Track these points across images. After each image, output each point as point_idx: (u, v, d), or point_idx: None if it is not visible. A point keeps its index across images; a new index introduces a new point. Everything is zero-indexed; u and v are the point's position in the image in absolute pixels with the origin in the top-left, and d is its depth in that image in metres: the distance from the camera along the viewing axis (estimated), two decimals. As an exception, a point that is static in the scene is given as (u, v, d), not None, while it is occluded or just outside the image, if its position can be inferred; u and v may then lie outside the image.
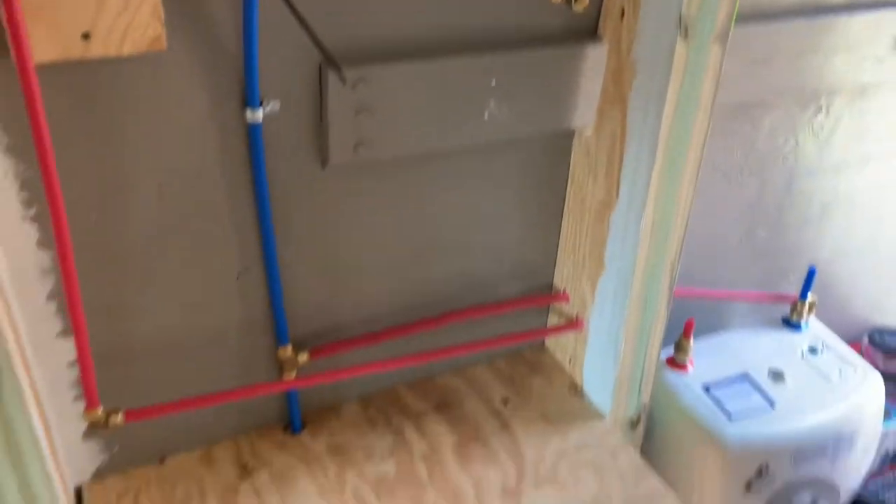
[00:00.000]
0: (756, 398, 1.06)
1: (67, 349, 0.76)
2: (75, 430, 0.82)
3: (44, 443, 0.62)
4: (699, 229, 1.11)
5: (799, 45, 1.02)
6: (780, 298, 1.21)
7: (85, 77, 0.64)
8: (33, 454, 0.61)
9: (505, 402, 0.98)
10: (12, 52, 0.57)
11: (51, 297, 0.73)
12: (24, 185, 0.67)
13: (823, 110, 1.14)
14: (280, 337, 0.86)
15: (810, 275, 1.17)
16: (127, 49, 0.62)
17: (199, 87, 0.69)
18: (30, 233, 0.69)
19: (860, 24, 1.05)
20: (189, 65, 0.67)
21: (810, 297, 1.19)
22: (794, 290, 1.21)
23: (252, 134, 0.73)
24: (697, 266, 1.16)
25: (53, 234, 0.64)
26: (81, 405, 0.80)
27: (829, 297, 1.31)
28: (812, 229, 1.25)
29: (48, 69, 0.61)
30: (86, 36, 0.60)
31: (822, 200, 1.23)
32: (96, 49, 0.61)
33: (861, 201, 1.27)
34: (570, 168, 0.93)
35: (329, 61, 0.65)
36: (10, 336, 0.56)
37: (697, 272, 1.17)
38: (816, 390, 1.08)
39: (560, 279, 1.01)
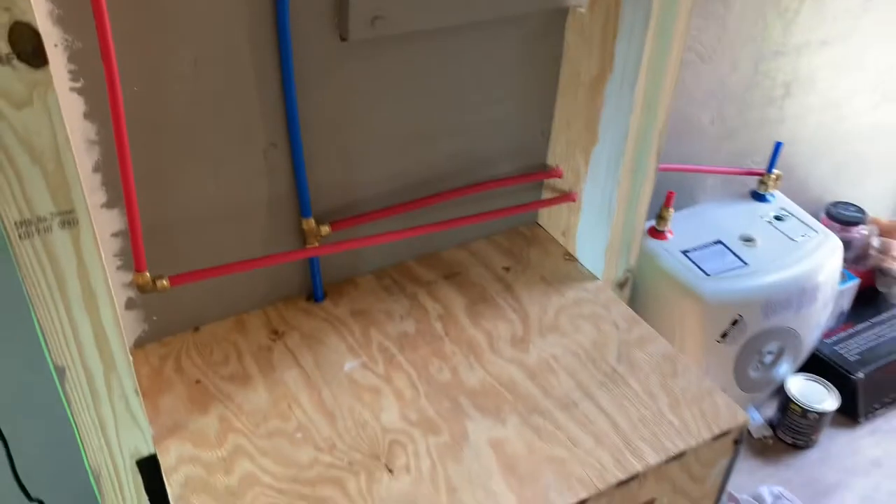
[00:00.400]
0: (730, 258, 1.17)
1: (111, 220, 0.82)
2: (118, 301, 0.88)
3: (112, 291, 0.68)
4: (675, 109, 1.19)
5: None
6: (750, 173, 1.32)
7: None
8: (106, 300, 0.68)
9: (507, 269, 1.07)
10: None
11: (96, 168, 0.78)
12: (73, 57, 0.71)
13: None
14: (304, 210, 0.92)
15: (776, 149, 1.27)
16: (171, -81, 0.65)
17: (231, -40, 0.73)
18: (77, 104, 0.73)
19: None
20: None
21: (776, 171, 1.29)
22: (760, 167, 1.31)
23: (279, 8, 0.77)
24: (674, 144, 1.25)
25: (109, 102, 0.68)
26: (124, 275, 0.86)
27: (792, 173, 1.42)
28: (775, 108, 1.35)
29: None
30: None
31: (784, 80, 1.32)
32: (143, -82, 0.64)
33: (819, 81, 1.37)
34: (565, 45, 1.00)
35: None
36: (82, 189, 0.61)
37: (674, 150, 1.25)
38: (783, 251, 1.20)
39: (553, 157, 1.09)
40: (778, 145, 1.27)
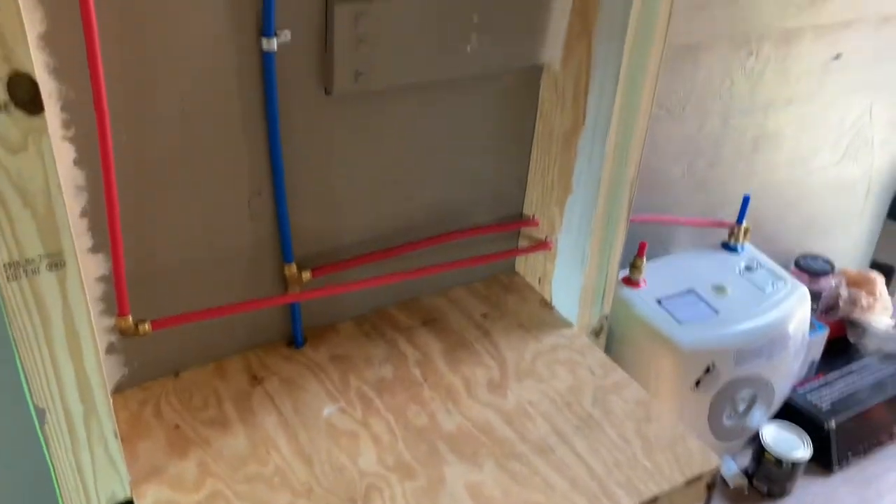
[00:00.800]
0: (702, 307, 1.20)
1: (96, 264, 0.83)
2: (100, 345, 0.88)
3: (96, 336, 0.69)
4: (647, 162, 1.24)
5: (733, -8, 1.16)
6: (720, 225, 1.36)
7: (119, 4, 0.71)
8: (89, 342, 0.69)
9: (484, 316, 1.09)
10: (69, -23, 0.64)
11: (83, 214, 0.80)
12: (65, 106, 0.73)
13: (754, 54, 1.28)
14: (286, 256, 0.94)
15: (745, 202, 1.31)
16: (165, -22, 0.69)
17: (220, 15, 0.77)
18: (68, 152, 0.76)
19: (784, -25, 1.19)
20: (214, -5, 0.75)
21: (745, 223, 1.34)
22: (731, 218, 1.36)
23: (266, 61, 0.81)
24: (646, 196, 1.29)
25: (99, 150, 0.71)
26: (107, 319, 0.87)
27: (762, 225, 1.47)
28: (744, 162, 1.40)
29: (92, -4, 0.68)
30: (130, -35, 0.67)
31: (753, 136, 1.38)
32: (138, -23, 0.68)
33: (786, 138, 1.43)
34: (540, 100, 1.04)
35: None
36: (70, 232, 0.63)
37: (646, 201, 1.30)
38: (753, 300, 1.23)
39: (529, 206, 1.12)
40: (746, 198, 1.31)
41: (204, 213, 0.87)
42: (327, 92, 0.87)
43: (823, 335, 1.41)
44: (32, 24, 0.67)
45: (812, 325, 1.37)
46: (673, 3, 0.87)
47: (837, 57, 1.39)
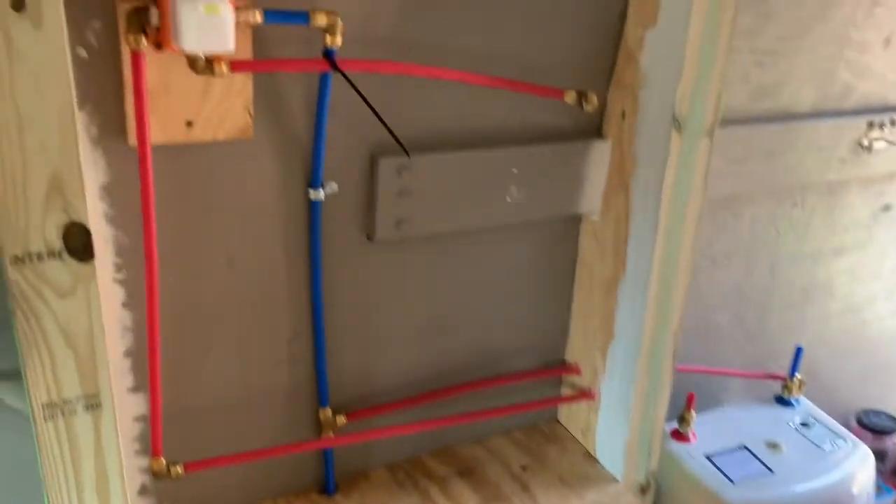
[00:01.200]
0: (756, 465, 1.14)
1: (135, 404, 0.84)
2: (132, 486, 0.88)
3: (127, 476, 0.69)
4: (693, 311, 1.22)
5: (772, 146, 1.18)
6: (771, 377, 1.31)
7: (180, 157, 0.76)
8: (118, 485, 0.68)
9: (524, 468, 1.06)
10: (133, 137, 0.69)
11: (127, 354, 0.82)
12: (119, 251, 0.77)
13: (798, 204, 1.28)
14: (321, 400, 0.94)
15: (798, 353, 1.27)
16: (220, 135, 0.74)
17: (271, 168, 0.81)
18: (118, 294, 0.79)
19: (825, 129, 1.21)
20: (266, 149, 0.80)
21: (799, 375, 1.29)
22: (783, 369, 1.31)
23: (312, 211, 0.84)
24: (693, 345, 1.26)
25: (146, 293, 0.74)
26: (141, 460, 0.87)
27: (817, 378, 1.41)
28: (795, 312, 1.37)
29: (152, 150, 0.73)
30: (189, 124, 0.72)
31: (802, 285, 1.35)
32: (196, 135, 0.73)
33: (838, 288, 1.40)
34: (580, 248, 1.05)
35: (395, 140, 0.77)
36: (108, 374, 0.64)
37: (694, 351, 1.26)
38: (811, 459, 1.16)
39: (572, 352, 1.11)
40: (799, 350, 1.27)
41: (243, 355, 0.88)
42: (369, 238, 0.89)
43: (891, 500, 1.31)
44: (96, 176, 0.72)
45: (878, 488, 1.28)
46: (710, 158, 0.89)
47: (886, 208, 1.38)
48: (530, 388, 1.10)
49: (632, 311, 0.98)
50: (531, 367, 1.09)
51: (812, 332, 1.40)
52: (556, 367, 1.11)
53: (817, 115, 1.21)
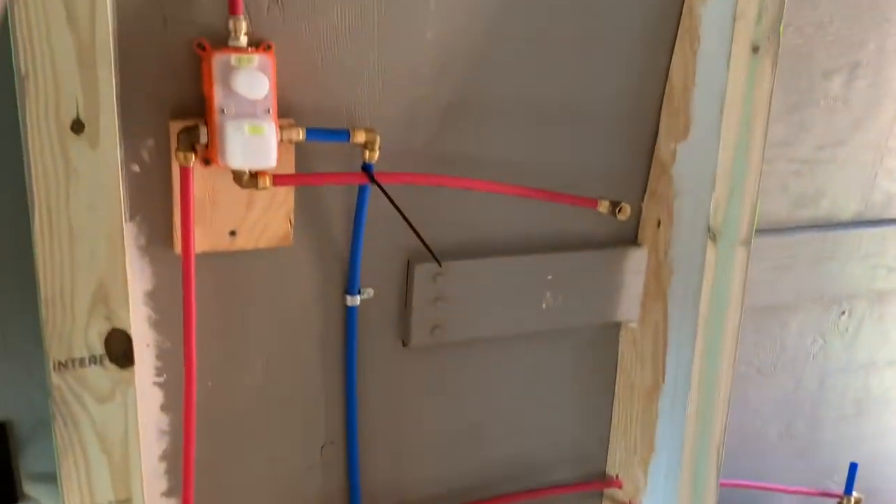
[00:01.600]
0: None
1: (167, 508, 0.84)
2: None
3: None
4: (739, 423, 1.18)
5: (816, 255, 1.16)
6: (825, 494, 1.24)
7: (223, 264, 0.79)
8: None
9: (562, 586, 1.01)
10: (178, 246, 0.72)
11: (163, 457, 0.82)
12: (160, 355, 0.79)
13: (846, 313, 1.25)
14: (354, 508, 0.92)
15: (852, 470, 1.21)
16: (262, 243, 0.77)
17: (310, 274, 0.83)
18: (156, 397, 0.80)
19: (869, 237, 1.19)
20: (305, 256, 0.82)
21: (855, 494, 1.22)
22: (838, 487, 1.25)
23: (348, 316, 0.86)
24: (741, 460, 1.21)
25: (183, 397, 0.75)
26: (170, 566, 0.86)
27: (877, 496, 1.33)
28: (850, 426, 1.31)
29: (197, 258, 0.76)
30: (232, 233, 0.75)
31: (855, 398, 1.30)
32: (239, 243, 0.76)
33: (893, 401, 1.34)
34: (619, 356, 1.04)
35: (429, 251, 0.79)
36: (141, 479, 0.65)
37: (741, 466, 1.21)
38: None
39: (612, 464, 1.07)
40: (854, 466, 1.21)
41: (275, 459, 0.88)
42: (404, 344, 0.90)
43: None
44: (142, 282, 0.75)
45: None
46: (747, 268, 0.89)
47: (941, 317, 1.33)
48: (569, 501, 1.06)
49: (672, 422, 0.96)
50: (570, 479, 1.06)
51: (869, 449, 1.34)
52: (595, 481, 1.08)
53: (860, 223, 1.19)
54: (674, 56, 0.90)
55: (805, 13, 1.00)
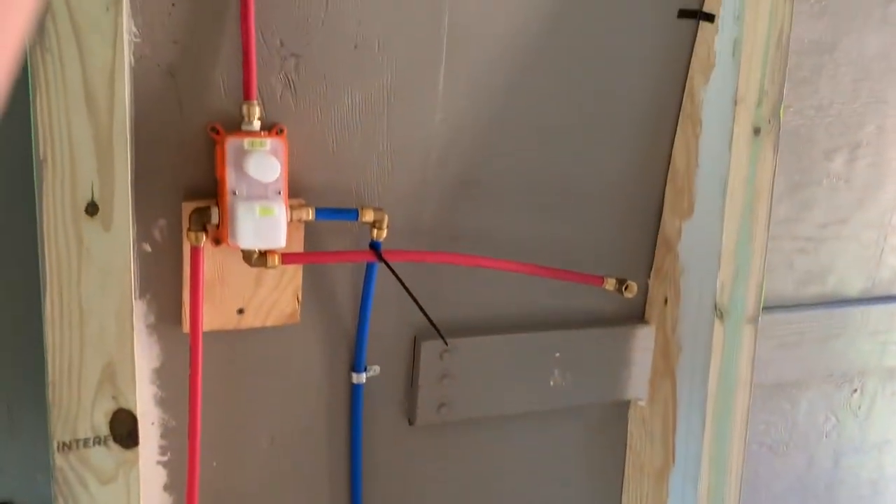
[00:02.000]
0: None
1: (167, 593, 0.82)
2: None
3: None
4: (752, 503, 1.15)
5: (824, 332, 1.15)
6: (844, 579, 1.20)
7: (230, 342, 0.79)
8: None
9: None
10: (187, 325, 0.72)
11: (164, 539, 0.81)
12: (165, 433, 0.79)
13: (858, 391, 1.23)
14: (357, 593, 0.90)
15: (872, 554, 1.17)
16: (269, 321, 0.77)
17: (316, 351, 0.83)
18: (160, 476, 0.79)
19: (877, 314, 1.18)
20: (312, 334, 0.82)
21: (876, 579, 1.18)
22: (859, 571, 1.21)
23: (354, 394, 0.85)
24: (756, 542, 1.18)
25: (187, 477, 0.74)
26: None
27: (897, 582, 1.28)
28: (866, 508, 1.27)
29: (204, 336, 0.76)
30: (240, 311, 0.76)
31: (870, 478, 1.27)
32: (246, 321, 0.76)
33: (911, 481, 1.30)
34: (628, 435, 1.02)
35: (436, 330, 0.80)
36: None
37: (757, 548, 1.18)
38: None
39: (622, 547, 1.05)
40: (873, 550, 1.17)
41: (280, 542, 0.86)
42: (410, 423, 0.89)
43: None
44: (149, 360, 0.75)
45: None
46: (755, 346, 0.88)
47: (954, 394, 1.31)
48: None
49: (684, 503, 0.93)
50: (579, 562, 1.03)
51: (887, 530, 1.30)
52: (606, 563, 1.05)
53: (868, 300, 1.19)
54: (676, 138, 0.92)
55: (804, 96, 1.02)
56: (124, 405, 0.60)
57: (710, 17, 0.86)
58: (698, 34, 0.88)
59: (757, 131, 0.84)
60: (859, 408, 1.24)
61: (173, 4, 0.67)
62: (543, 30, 0.83)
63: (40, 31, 0.58)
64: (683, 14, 0.87)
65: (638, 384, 0.98)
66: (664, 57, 0.88)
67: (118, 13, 0.58)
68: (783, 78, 0.85)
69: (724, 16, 0.84)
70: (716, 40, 0.85)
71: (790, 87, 0.85)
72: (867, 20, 1.02)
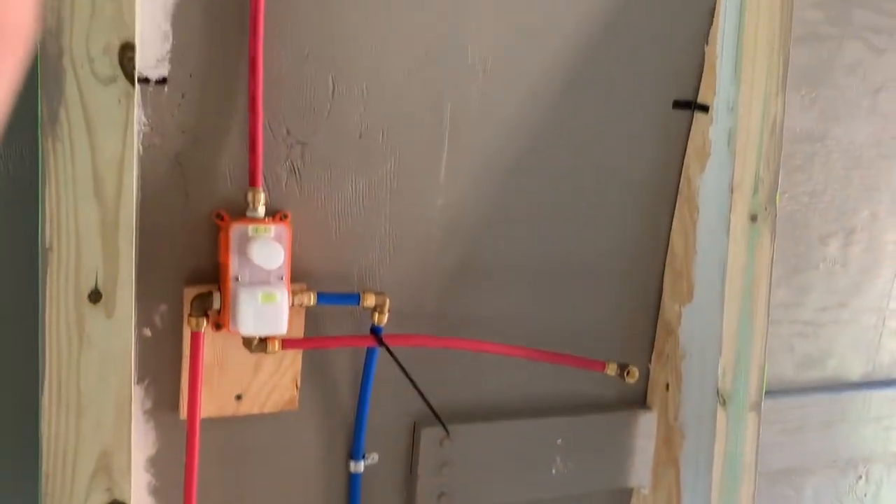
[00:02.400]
0: None
1: None
2: None
3: None
4: None
5: (826, 417, 1.14)
6: None
7: (227, 429, 0.78)
8: None
9: None
10: (184, 411, 0.71)
11: None
12: (158, 515, 0.76)
13: (863, 477, 1.21)
14: None
15: None
16: (267, 408, 0.76)
17: (314, 438, 0.82)
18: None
19: (879, 399, 1.17)
20: (310, 420, 0.81)
21: None
22: None
23: (352, 483, 0.83)
24: None
25: (177, 569, 0.72)
26: None
27: None
28: None
29: (201, 422, 0.75)
30: (238, 397, 0.75)
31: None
32: (244, 407, 0.75)
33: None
34: (632, 528, 1.00)
35: (436, 417, 0.78)
36: None
37: None
38: None
39: None
40: None
41: None
42: (409, 513, 0.87)
43: None
44: (145, 448, 0.74)
45: None
46: (759, 433, 0.87)
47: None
48: None
49: None
50: None
51: None
52: None
53: (869, 384, 1.18)
54: (674, 223, 0.93)
55: (798, 182, 1.04)
56: (119, 497, 0.59)
57: (704, 108, 0.88)
58: (693, 124, 0.90)
59: (754, 218, 0.86)
60: (865, 495, 1.21)
61: (183, 95, 0.69)
62: (544, 117, 0.85)
63: (53, 121, 0.59)
64: (678, 105, 0.89)
65: (641, 472, 0.96)
66: (662, 144, 0.90)
67: (130, 106, 0.59)
68: (778, 166, 0.87)
69: (718, 107, 0.86)
70: (710, 130, 0.87)
71: (784, 173, 0.87)
72: (856, 109, 1.05)
